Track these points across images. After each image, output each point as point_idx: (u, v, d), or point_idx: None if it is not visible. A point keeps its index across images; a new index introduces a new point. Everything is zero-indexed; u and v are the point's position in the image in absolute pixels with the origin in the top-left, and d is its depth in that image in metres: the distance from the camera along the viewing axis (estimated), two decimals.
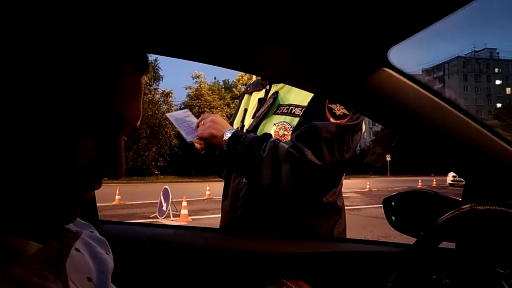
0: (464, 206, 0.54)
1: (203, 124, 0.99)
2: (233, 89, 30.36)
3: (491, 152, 0.63)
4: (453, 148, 0.65)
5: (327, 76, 0.61)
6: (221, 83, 35.21)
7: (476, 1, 0.41)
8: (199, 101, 27.26)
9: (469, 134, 0.62)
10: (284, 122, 0.95)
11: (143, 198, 9.80)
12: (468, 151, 0.64)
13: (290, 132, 0.93)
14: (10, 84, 0.30)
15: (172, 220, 6.22)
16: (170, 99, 25.58)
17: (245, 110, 1.12)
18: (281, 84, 1.02)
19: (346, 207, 1.05)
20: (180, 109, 27.07)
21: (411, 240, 0.66)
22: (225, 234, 0.97)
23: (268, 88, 1.04)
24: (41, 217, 0.34)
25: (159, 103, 25.00)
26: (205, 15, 0.48)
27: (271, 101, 0.99)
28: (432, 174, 29.29)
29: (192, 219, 6.48)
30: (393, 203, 0.78)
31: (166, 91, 25.41)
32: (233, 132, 0.93)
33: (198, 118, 1.06)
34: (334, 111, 0.88)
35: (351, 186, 15.74)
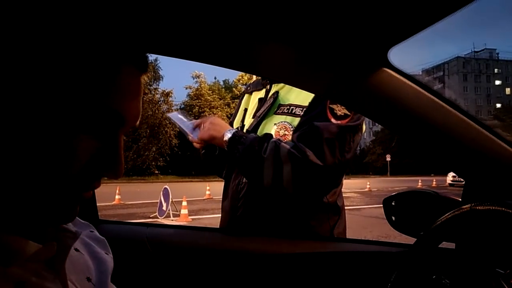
0: (464, 206, 0.54)
1: (203, 127, 0.99)
2: (233, 89, 30.36)
3: (490, 152, 0.63)
4: (453, 148, 0.65)
5: (327, 76, 0.61)
6: (221, 83, 35.25)
7: (476, 2, 0.41)
8: (199, 101, 27.26)
9: (469, 135, 0.62)
10: (284, 122, 0.95)
11: (143, 198, 9.80)
12: (468, 151, 0.64)
13: (291, 132, 0.93)
14: (9, 83, 0.30)
15: (172, 220, 6.22)
16: (170, 99, 25.61)
17: (245, 110, 1.12)
18: (282, 84, 1.02)
19: (346, 207, 1.05)
20: (181, 109, 27.14)
21: (411, 240, 0.66)
22: (225, 234, 0.97)
23: (268, 88, 1.04)
24: (40, 216, 0.34)
25: (159, 103, 25.01)
26: (205, 15, 0.48)
27: (272, 101, 0.99)
28: (432, 174, 29.30)
29: (192, 219, 6.48)
30: (393, 203, 0.78)
31: (166, 91, 25.42)
32: (233, 133, 0.93)
33: (196, 119, 1.06)
34: (335, 111, 0.88)
35: (351, 186, 15.75)
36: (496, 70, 60.42)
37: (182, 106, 28.16)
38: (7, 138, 0.31)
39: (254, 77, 1.18)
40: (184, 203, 6.51)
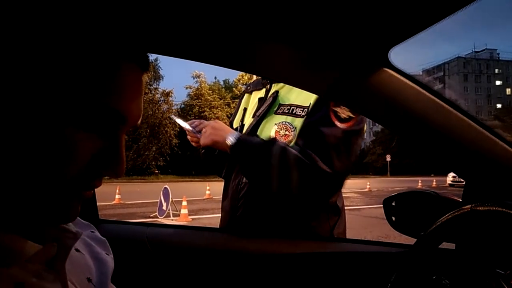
0: (464, 207, 0.54)
1: (204, 131, 0.98)
2: (234, 88, 30.34)
3: (491, 152, 0.63)
4: (453, 148, 0.65)
5: (327, 76, 0.61)
6: (222, 82, 35.24)
7: (476, 2, 0.41)
8: (200, 100, 27.25)
9: (469, 135, 0.62)
10: (285, 122, 0.95)
11: (143, 198, 9.80)
12: (468, 151, 0.64)
13: (292, 132, 0.93)
14: (8, 82, 0.30)
15: (172, 220, 6.22)
16: (170, 98, 25.60)
17: (245, 110, 1.12)
18: (282, 84, 1.02)
19: (346, 207, 1.05)
20: (181, 108, 27.12)
21: (411, 241, 0.66)
22: (225, 234, 0.97)
23: (268, 87, 1.04)
24: (41, 215, 0.34)
25: (160, 102, 25.01)
26: (205, 14, 0.48)
27: (271, 100, 0.99)
28: (432, 175, 29.29)
29: (192, 218, 6.48)
30: (393, 204, 0.78)
31: (166, 91, 25.41)
32: (237, 138, 0.91)
33: (193, 119, 1.06)
34: (339, 114, 0.88)
35: (351, 186, 15.74)
36: (496, 71, 60.40)
37: (182, 106, 28.19)
38: (7, 137, 0.31)
39: (254, 77, 1.18)
40: (184, 203, 6.51)
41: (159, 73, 25.94)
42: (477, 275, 0.59)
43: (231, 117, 1.21)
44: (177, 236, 0.96)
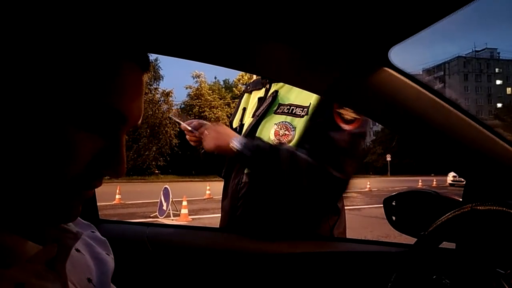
0: (465, 206, 0.54)
1: (206, 133, 0.96)
2: (234, 88, 30.34)
3: (491, 152, 0.63)
4: (454, 148, 0.65)
5: (327, 76, 0.61)
6: (222, 82, 35.24)
7: (476, 1, 0.41)
8: (200, 100, 27.25)
9: (470, 134, 0.62)
10: (285, 122, 0.95)
11: (143, 198, 9.80)
12: (468, 151, 0.64)
13: (291, 132, 0.93)
14: (9, 82, 0.30)
15: (172, 220, 6.23)
16: (170, 98, 25.58)
17: (244, 109, 1.12)
18: (281, 83, 1.02)
19: (346, 207, 1.05)
20: (181, 108, 27.10)
21: (411, 240, 0.66)
22: (225, 233, 0.97)
23: (268, 87, 1.04)
24: (42, 215, 0.34)
25: (160, 102, 25.00)
26: (205, 14, 0.48)
27: (271, 99, 0.99)
28: (432, 174, 29.28)
29: (192, 218, 6.48)
30: (393, 203, 0.78)
31: (166, 91, 25.40)
32: (243, 143, 0.89)
33: (191, 119, 1.06)
34: (343, 116, 0.88)
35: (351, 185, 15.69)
36: (497, 70, 60.37)
37: (182, 106, 28.18)
38: (8, 137, 0.31)
39: (255, 77, 1.18)
40: (184, 203, 6.51)
41: (159, 73, 25.94)
42: (477, 274, 0.59)
43: (231, 117, 1.21)
44: (177, 236, 0.96)
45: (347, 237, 1.02)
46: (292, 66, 0.61)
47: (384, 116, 0.67)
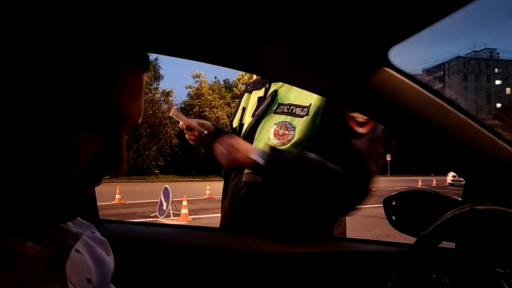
0: (464, 206, 0.54)
1: (222, 151, 0.90)
2: (234, 88, 30.34)
3: (491, 152, 0.63)
4: (453, 148, 0.65)
5: (327, 76, 0.61)
6: (222, 82, 35.23)
7: (476, 1, 0.41)
8: (200, 100, 27.24)
9: (469, 134, 0.62)
10: (284, 122, 0.95)
11: (144, 198, 9.80)
12: (468, 151, 0.64)
13: (291, 132, 0.92)
14: (9, 82, 0.30)
15: (172, 220, 6.23)
16: (170, 98, 25.59)
17: (244, 109, 1.12)
18: (281, 83, 1.02)
19: None
20: (181, 108, 27.09)
21: (411, 240, 0.66)
22: (225, 233, 0.97)
23: (267, 86, 1.04)
24: (44, 214, 0.34)
25: (160, 102, 25.00)
26: (205, 14, 0.48)
27: (270, 99, 0.99)
28: (432, 174, 29.29)
29: (192, 218, 6.48)
30: (393, 203, 0.78)
31: (166, 91, 25.40)
32: (267, 157, 0.86)
33: (193, 119, 1.06)
34: (356, 119, 0.88)
35: None
36: (496, 70, 60.40)
37: (183, 105, 28.15)
38: (8, 136, 0.31)
39: (255, 77, 1.18)
40: (185, 203, 6.51)
41: (159, 72, 25.94)
42: (477, 274, 0.59)
43: (231, 117, 1.21)
44: (178, 236, 0.96)
45: (347, 236, 1.02)
46: (292, 66, 0.61)
47: (384, 116, 0.67)
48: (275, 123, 0.96)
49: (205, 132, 1.04)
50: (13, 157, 0.31)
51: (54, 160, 0.32)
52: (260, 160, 0.86)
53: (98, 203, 1.02)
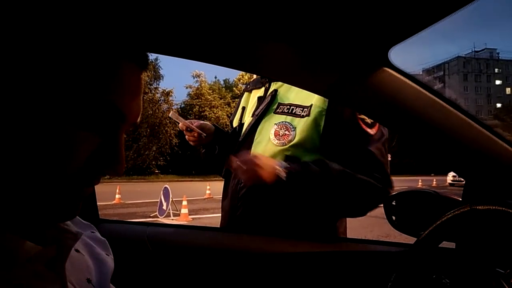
0: (464, 206, 0.54)
1: (242, 167, 0.85)
2: (234, 88, 30.33)
3: (491, 152, 0.63)
4: (453, 148, 0.65)
5: (327, 76, 0.61)
6: (222, 82, 35.19)
7: (476, 1, 0.41)
8: (200, 100, 27.23)
9: (469, 134, 0.62)
10: (285, 122, 0.94)
11: (143, 197, 9.80)
12: (468, 151, 0.64)
13: (292, 132, 0.92)
14: (9, 80, 0.30)
15: (172, 220, 6.23)
16: (170, 98, 25.55)
17: (243, 108, 1.12)
18: (281, 83, 1.02)
19: None
20: (181, 108, 27.07)
21: (411, 240, 0.66)
22: (226, 233, 0.97)
23: (267, 86, 1.04)
24: (43, 213, 0.34)
25: (160, 102, 24.98)
26: (205, 14, 0.48)
27: (270, 99, 0.99)
28: (432, 174, 29.31)
29: (192, 218, 6.48)
30: (393, 203, 0.78)
31: (166, 90, 25.37)
32: (291, 172, 0.84)
33: (196, 119, 1.06)
34: (365, 121, 0.89)
35: None
36: (496, 70, 60.40)
37: (183, 105, 28.16)
38: (7, 135, 0.31)
39: (255, 76, 1.18)
40: (184, 203, 6.51)
41: (159, 72, 25.91)
42: (477, 274, 0.59)
43: (231, 116, 1.21)
44: (178, 236, 0.96)
45: (348, 236, 1.02)
46: (292, 66, 0.61)
47: (384, 116, 0.67)
48: (275, 123, 0.95)
49: (204, 134, 1.05)
50: (11, 156, 0.31)
51: (52, 158, 0.32)
52: (283, 176, 0.84)
53: (98, 203, 1.02)
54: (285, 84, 1.00)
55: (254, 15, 0.48)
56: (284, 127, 0.94)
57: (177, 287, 0.87)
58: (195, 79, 28.38)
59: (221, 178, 1.11)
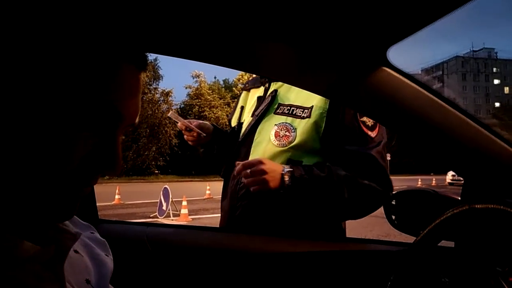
0: (463, 205, 0.54)
1: (241, 168, 0.86)
2: (233, 88, 30.32)
3: (489, 151, 0.63)
4: (452, 147, 0.65)
5: (326, 76, 0.61)
6: (221, 82, 35.23)
7: (474, 0, 0.41)
8: (199, 100, 27.22)
9: (468, 133, 0.62)
10: (285, 123, 0.94)
11: (143, 198, 9.79)
12: (467, 150, 0.64)
13: (292, 133, 0.92)
14: (8, 80, 0.30)
15: (172, 220, 6.22)
16: (170, 98, 25.54)
17: (242, 108, 1.12)
18: (281, 83, 1.02)
19: None
20: (180, 108, 27.04)
21: (411, 239, 0.66)
22: (225, 233, 0.97)
23: (267, 86, 1.04)
24: (42, 213, 0.34)
25: (159, 102, 24.95)
26: (205, 14, 0.48)
27: (270, 99, 0.99)
28: (432, 173, 29.34)
29: (192, 218, 6.47)
30: (393, 202, 0.79)
31: (166, 91, 25.35)
32: (296, 178, 0.85)
33: (195, 119, 1.06)
34: (366, 123, 0.89)
35: None
36: (494, 69, 60.50)
37: (182, 105, 28.14)
38: (6, 135, 0.31)
39: (254, 76, 1.18)
40: (184, 203, 6.51)
41: (158, 73, 25.89)
42: (476, 273, 0.60)
43: (229, 115, 1.21)
44: (177, 236, 0.96)
45: (347, 236, 1.02)
46: (292, 66, 0.61)
47: (383, 116, 0.68)
48: (275, 124, 0.95)
49: (203, 134, 1.05)
50: (8, 155, 0.31)
51: (51, 158, 0.32)
52: (289, 182, 0.84)
53: (97, 204, 1.02)
54: (285, 84, 1.00)
55: (254, 15, 0.48)
56: (284, 128, 0.94)
57: (177, 287, 0.87)
58: (195, 79, 28.39)
59: (221, 178, 1.11)
